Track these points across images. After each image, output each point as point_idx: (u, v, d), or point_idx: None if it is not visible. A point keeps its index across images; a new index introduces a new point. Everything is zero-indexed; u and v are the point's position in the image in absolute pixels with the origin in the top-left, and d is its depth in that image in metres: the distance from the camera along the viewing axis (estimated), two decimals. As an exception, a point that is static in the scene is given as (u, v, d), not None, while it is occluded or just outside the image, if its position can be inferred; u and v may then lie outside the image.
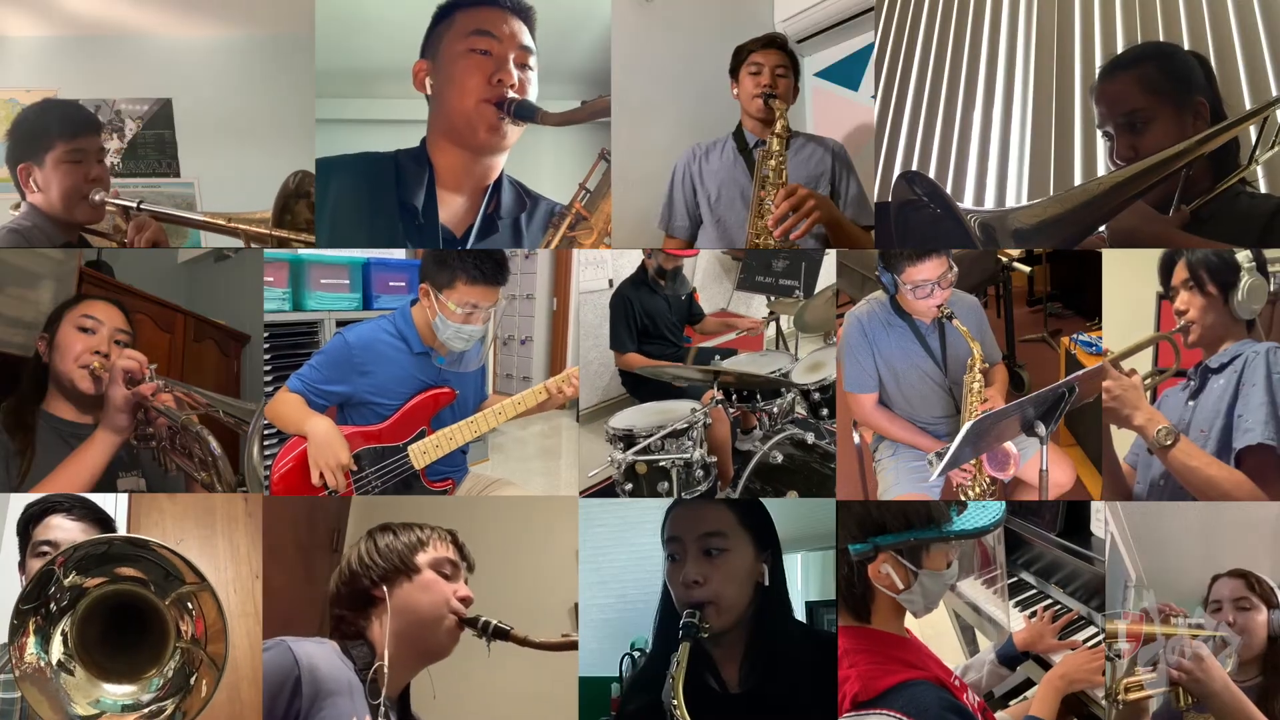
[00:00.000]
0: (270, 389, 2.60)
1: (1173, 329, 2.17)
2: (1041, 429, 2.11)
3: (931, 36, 2.91)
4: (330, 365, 2.39)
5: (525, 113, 2.32)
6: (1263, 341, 2.09)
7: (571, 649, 1.93)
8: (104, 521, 2.23)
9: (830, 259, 2.86)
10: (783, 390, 2.85)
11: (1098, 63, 2.49)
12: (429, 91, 2.38)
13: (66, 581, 1.84)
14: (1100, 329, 2.38)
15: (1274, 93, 2.27)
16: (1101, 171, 2.34)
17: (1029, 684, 2.24)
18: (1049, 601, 2.44)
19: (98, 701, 1.87)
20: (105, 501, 2.26)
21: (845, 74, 2.74)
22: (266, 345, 2.75)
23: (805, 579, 2.51)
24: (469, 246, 2.43)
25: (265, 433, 2.37)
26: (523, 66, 2.35)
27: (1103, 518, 2.31)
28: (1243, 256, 2.07)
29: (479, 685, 2.14)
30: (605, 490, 2.62)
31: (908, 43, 2.94)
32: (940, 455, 2.17)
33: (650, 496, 2.56)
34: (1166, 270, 2.17)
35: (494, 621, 1.87)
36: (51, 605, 1.84)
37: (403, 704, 1.87)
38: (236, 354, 2.81)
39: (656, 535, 2.04)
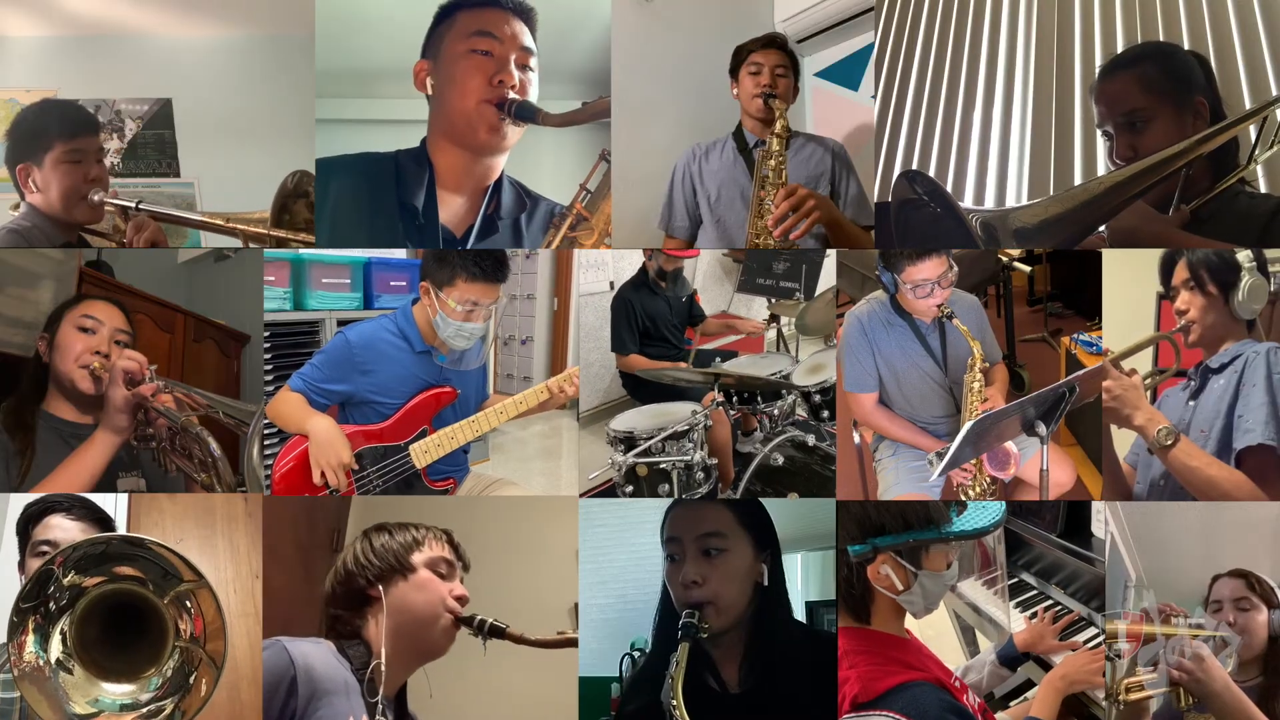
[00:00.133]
0: (271, 389, 2.60)
1: (1173, 329, 2.17)
2: (1042, 429, 2.11)
3: (931, 36, 2.91)
4: (332, 364, 2.39)
5: (526, 114, 2.32)
6: (1263, 341, 2.08)
7: (568, 646, 1.93)
8: (103, 521, 2.23)
9: (830, 261, 2.86)
10: (783, 392, 2.85)
11: (1098, 62, 2.49)
12: (430, 92, 2.38)
13: (65, 581, 1.84)
14: (1100, 329, 2.38)
15: (1274, 92, 2.27)
16: (1101, 171, 2.34)
17: (1029, 685, 2.24)
18: (1050, 602, 2.44)
19: (96, 701, 1.87)
20: (105, 501, 2.26)
21: (845, 74, 2.74)
22: (267, 345, 2.75)
23: (805, 579, 2.51)
24: (469, 247, 2.43)
25: (266, 433, 2.37)
26: (524, 67, 2.35)
27: (1103, 518, 2.31)
28: (1243, 256, 2.07)
29: (476, 684, 2.14)
30: (605, 491, 2.62)
31: (908, 43, 2.94)
32: (940, 455, 2.17)
33: (651, 498, 2.56)
34: (1167, 270, 2.17)
35: (490, 620, 1.88)
36: (50, 604, 1.84)
37: (400, 703, 1.88)
38: (236, 354, 2.81)
39: (656, 535, 2.04)
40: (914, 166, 2.80)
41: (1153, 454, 2.11)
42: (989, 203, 2.66)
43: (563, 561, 2.39)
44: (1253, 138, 2.13)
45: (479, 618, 1.87)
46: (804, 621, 2.40)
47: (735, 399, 2.83)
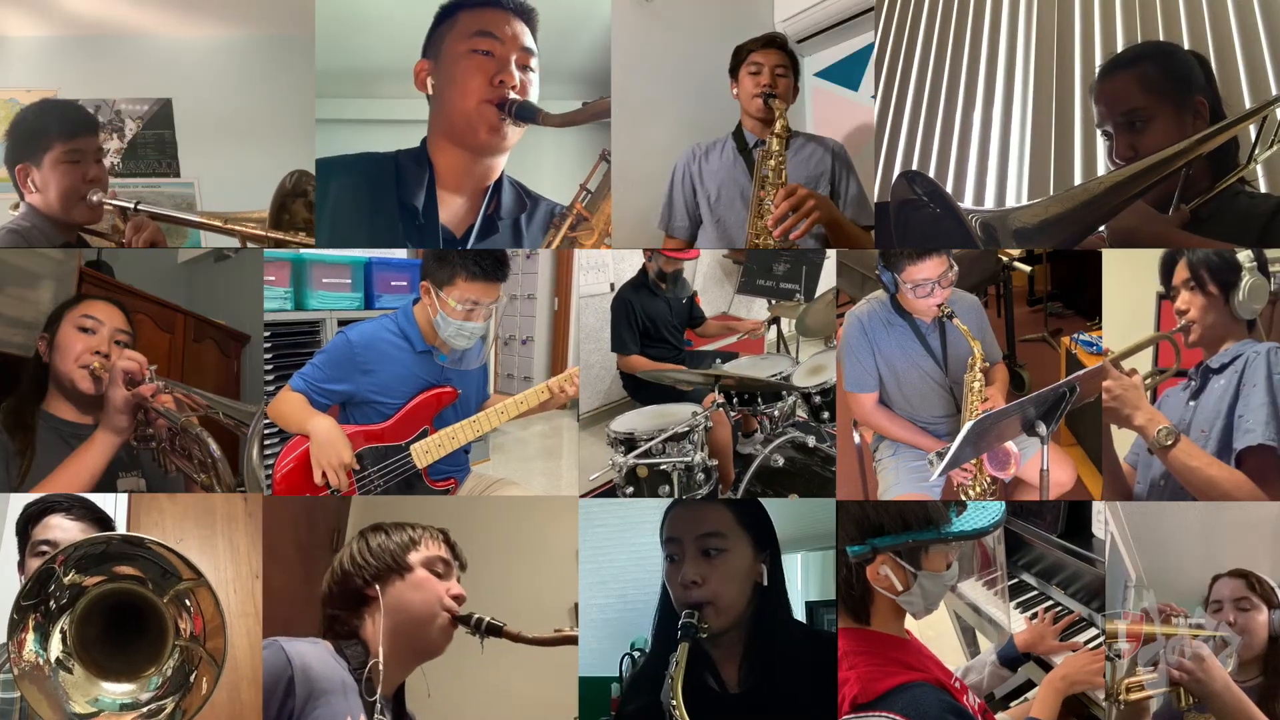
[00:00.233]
0: (272, 389, 2.60)
1: (1173, 329, 2.16)
2: (1042, 429, 2.11)
3: (931, 36, 2.91)
4: (333, 364, 2.39)
5: (526, 114, 2.32)
6: (1263, 342, 2.08)
7: (565, 644, 1.93)
8: (103, 521, 2.23)
9: (830, 262, 2.85)
10: (784, 394, 2.85)
11: (1098, 62, 2.49)
12: (430, 92, 2.38)
13: (66, 580, 1.84)
14: (1100, 329, 2.38)
15: (1274, 92, 2.27)
16: (1101, 171, 2.33)
17: (1030, 685, 2.23)
18: (1050, 603, 2.43)
19: (96, 700, 1.87)
20: (105, 501, 2.26)
21: (845, 74, 2.74)
22: (268, 345, 2.75)
23: (805, 579, 2.51)
24: (469, 247, 2.43)
25: (266, 433, 2.37)
26: (524, 68, 2.35)
27: (1103, 518, 2.31)
28: (1244, 256, 2.07)
29: (474, 684, 2.14)
30: (606, 492, 2.62)
31: (908, 43, 2.94)
32: (941, 455, 2.17)
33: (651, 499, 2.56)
34: (1167, 270, 2.17)
35: (487, 618, 1.88)
36: (51, 603, 1.84)
37: (398, 702, 1.88)
38: (236, 354, 2.81)
39: (656, 535, 2.03)
40: (914, 166, 2.80)
41: (1153, 454, 2.11)
42: (989, 203, 2.66)
43: (563, 561, 2.39)
44: (1253, 137, 2.13)
45: (476, 616, 1.88)
46: (804, 621, 2.40)
47: (736, 400, 2.83)
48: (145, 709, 1.88)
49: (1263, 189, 2.24)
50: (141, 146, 2.69)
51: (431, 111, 2.40)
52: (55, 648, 1.85)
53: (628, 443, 2.60)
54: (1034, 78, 2.67)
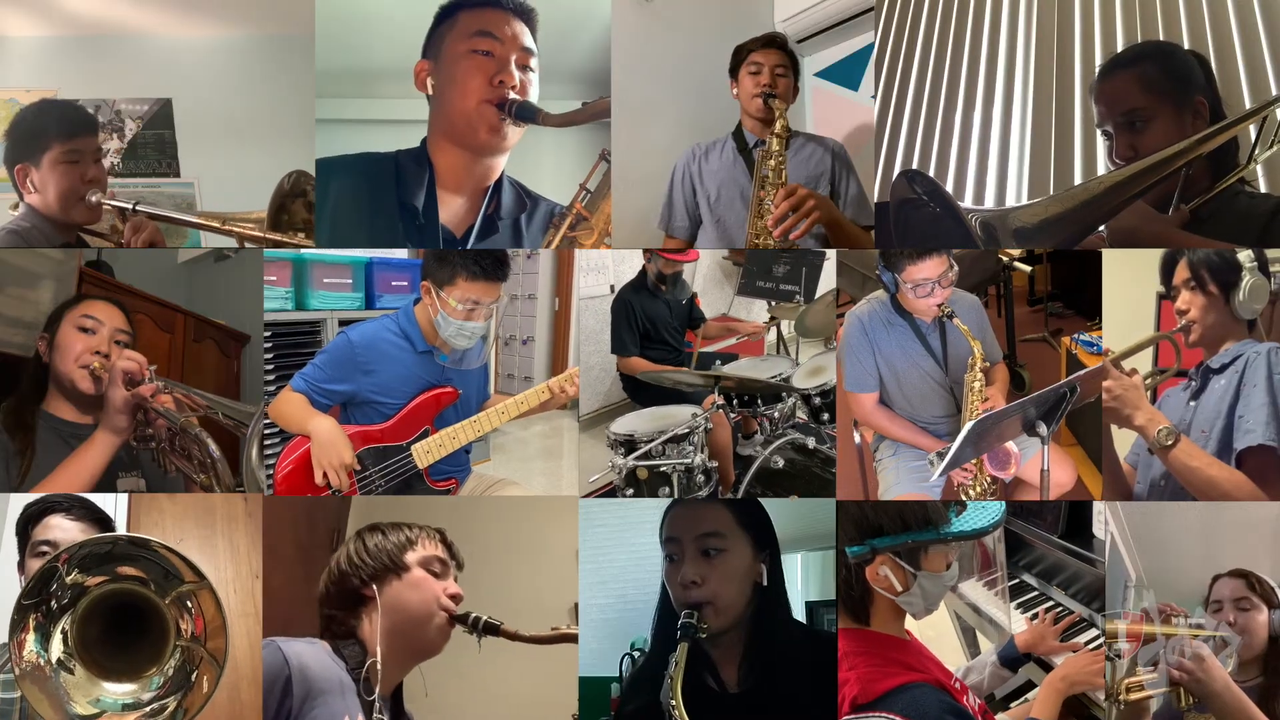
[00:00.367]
0: (272, 389, 2.60)
1: (1173, 329, 2.16)
2: (1043, 429, 2.10)
3: (931, 36, 2.90)
4: (334, 364, 2.39)
5: (526, 114, 2.32)
6: (1264, 342, 2.08)
7: (564, 642, 1.93)
8: (103, 521, 2.23)
9: (830, 264, 2.85)
10: (784, 395, 2.84)
11: (1098, 62, 2.49)
12: (430, 92, 2.38)
13: (68, 579, 1.85)
14: (1101, 329, 2.38)
15: (1274, 92, 2.26)
16: (1101, 171, 2.33)
17: (1030, 686, 2.23)
18: (1050, 603, 2.43)
19: (98, 700, 1.87)
20: (105, 501, 2.26)
21: (845, 74, 2.74)
22: (269, 345, 2.75)
23: (805, 579, 2.51)
24: (469, 247, 2.43)
25: (266, 434, 2.37)
26: (524, 68, 2.35)
27: (1103, 519, 2.31)
28: (1244, 256, 2.07)
29: (472, 683, 2.15)
30: (606, 493, 2.62)
31: (908, 43, 2.94)
32: (941, 455, 2.17)
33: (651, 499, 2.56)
34: (1168, 270, 2.17)
35: (484, 617, 1.89)
36: (52, 603, 1.85)
37: (395, 702, 1.88)
38: (237, 354, 2.81)
39: (656, 535, 2.03)
40: (914, 166, 2.79)
41: (1153, 454, 2.11)
42: (989, 203, 2.66)
43: (563, 561, 2.39)
44: (1253, 137, 2.13)
45: (473, 615, 1.88)
46: (804, 622, 2.40)
47: (735, 402, 2.83)
48: (147, 709, 1.88)
49: (1263, 189, 2.24)
50: (141, 146, 2.69)
51: (431, 111, 2.40)
52: (56, 648, 1.85)
53: (628, 445, 2.60)
54: (1034, 78, 2.67)
